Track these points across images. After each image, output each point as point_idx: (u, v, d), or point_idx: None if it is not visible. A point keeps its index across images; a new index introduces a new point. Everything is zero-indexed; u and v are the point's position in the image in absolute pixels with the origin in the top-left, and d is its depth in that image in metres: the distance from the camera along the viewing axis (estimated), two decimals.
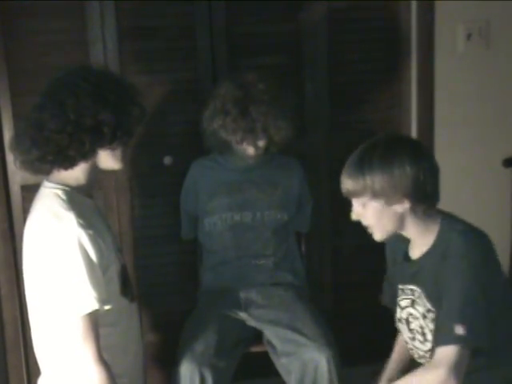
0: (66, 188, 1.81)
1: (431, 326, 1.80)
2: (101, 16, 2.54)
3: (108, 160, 1.86)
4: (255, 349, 2.37)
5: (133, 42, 2.60)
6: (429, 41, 2.78)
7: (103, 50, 2.56)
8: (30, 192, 1.94)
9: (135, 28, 2.59)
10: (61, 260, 1.72)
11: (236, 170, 2.42)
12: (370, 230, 1.84)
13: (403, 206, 1.74)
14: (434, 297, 1.77)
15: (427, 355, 1.84)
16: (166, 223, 2.66)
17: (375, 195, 1.73)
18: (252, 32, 2.67)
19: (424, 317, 1.83)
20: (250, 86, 2.27)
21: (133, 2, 2.57)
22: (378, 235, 1.83)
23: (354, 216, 1.83)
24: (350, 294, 2.95)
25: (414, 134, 2.86)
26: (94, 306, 1.72)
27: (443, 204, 1.85)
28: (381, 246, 2.92)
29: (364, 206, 1.78)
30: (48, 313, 1.79)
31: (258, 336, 2.36)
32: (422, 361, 1.89)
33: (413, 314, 1.88)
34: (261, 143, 2.31)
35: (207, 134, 2.36)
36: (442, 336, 1.70)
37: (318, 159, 2.81)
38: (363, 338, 2.95)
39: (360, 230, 2.87)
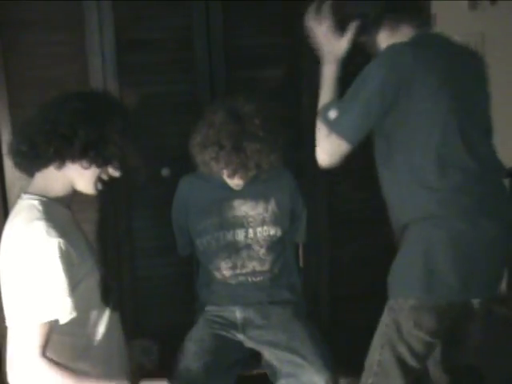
0: (43, 198, 1.85)
1: None
2: (99, 28, 2.56)
3: (80, 180, 1.90)
4: (254, 371, 2.36)
5: (131, 55, 2.61)
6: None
7: (102, 62, 2.58)
8: None
9: (133, 40, 2.61)
10: (32, 269, 1.75)
11: (226, 187, 2.39)
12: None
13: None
14: None
15: None
16: (164, 234, 2.66)
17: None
18: (249, 44, 2.69)
19: None
20: (246, 120, 2.22)
21: (131, 14, 2.59)
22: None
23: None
24: (348, 306, 2.95)
25: None
26: (55, 315, 1.75)
27: None
28: (378, 257, 2.94)
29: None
30: (15, 317, 1.81)
31: (255, 357, 2.36)
32: None
33: None
34: (251, 175, 2.30)
35: (197, 161, 2.32)
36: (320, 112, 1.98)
37: (315, 171, 2.80)
38: (361, 351, 2.94)
39: (358, 241, 2.91)
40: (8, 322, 1.81)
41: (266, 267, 2.44)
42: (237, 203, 2.41)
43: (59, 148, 1.82)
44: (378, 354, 2.02)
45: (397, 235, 2.12)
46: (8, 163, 2.60)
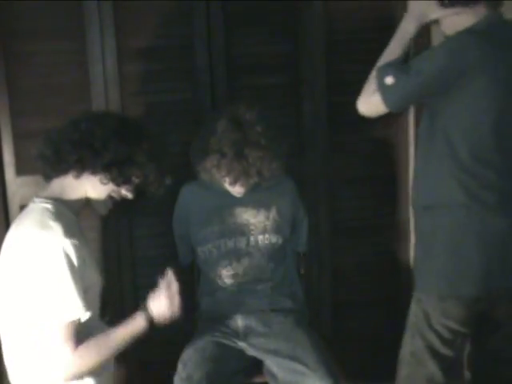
0: (56, 202, 1.86)
1: None
2: (101, 37, 2.57)
3: (92, 191, 1.91)
4: (256, 379, 2.35)
5: (132, 63, 2.62)
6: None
7: (103, 70, 2.59)
8: None
9: (135, 49, 2.62)
10: (46, 268, 1.76)
11: (227, 195, 2.38)
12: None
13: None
14: None
15: None
16: (165, 243, 2.65)
17: None
18: (250, 52, 2.69)
19: None
20: (247, 128, 2.22)
21: (132, 23, 2.59)
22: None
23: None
24: (350, 314, 2.94)
25: (411, 153, 2.87)
26: (78, 313, 1.77)
27: None
28: (379, 265, 2.95)
29: None
30: (24, 324, 1.80)
31: (257, 365, 2.35)
32: None
33: None
34: (252, 182, 2.30)
35: (199, 169, 2.32)
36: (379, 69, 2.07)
37: (316, 179, 2.82)
38: (363, 358, 2.94)
39: (359, 249, 2.91)
40: (23, 327, 1.81)
41: (268, 275, 2.44)
42: (238, 211, 2.40)
43: (83, 157, 1.85)
44: (409, 345, 2.06)
45: (416, 213, 2.14)
46: (10, 172, 2.60)
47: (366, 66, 2.77)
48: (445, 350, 2.01)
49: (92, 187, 1.91)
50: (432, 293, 2.01)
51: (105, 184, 1.90)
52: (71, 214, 1.91)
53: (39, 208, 1.85)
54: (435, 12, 2.04)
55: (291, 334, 2.35)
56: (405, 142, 2.87)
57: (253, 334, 2.38)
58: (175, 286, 1.98)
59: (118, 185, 1.92)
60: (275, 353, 2.29)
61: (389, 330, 2.99)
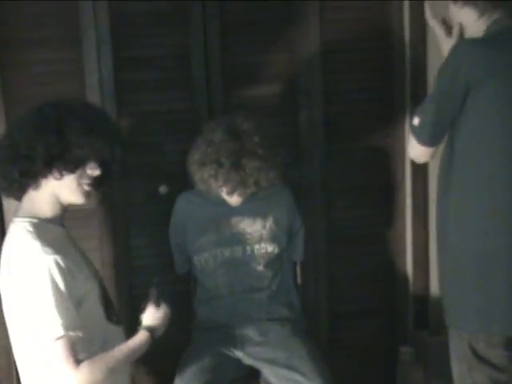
0: (34, 220, 1.85)
1: None
2: (97, 46, 2.56)
3: (63, 192, 1.89)
4: None
5: (129, 72, 2.62)
6: (422, 71, 2.82)
7: (99, 79, 2.58)
8: None
9: (131, 58, 2.61)
10: (28, 289, 1.75)
11: (223, 204, 2.38)
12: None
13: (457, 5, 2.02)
14: None
15: None
16: (162, 252, 2.64)
17: None
18: (247, 62, 2.69)
19: None
20: (244, 138, 2.22)
21: (129, 32, 2.59)
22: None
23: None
24: (346, 324, 2.94)
25: (407, 162, 2.87)
26: (59, 332, 1.74)
27: None
28: (376, 275, 2.94)
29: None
30: (22, 341, 1.80)
31: (254, 374, 2.34)
32: None
33: None
34: (249, 192, 2.30)
35: (195, 179, 2.32)
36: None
37: (313, 188, 2.82)
38: (359, 369, 2.94)
39: (356, 259, 2.91)
40: (17, 345, 1.81)
41: (264, 284, 2.43)
42: (235, 220, 2.40)
43: (23, 170, 1.82)
44: (468, 378, 2.04)
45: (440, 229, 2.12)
46: None
47: (362, 76, 2.81)
48: (504, 377, 2.01)
49: (57, 189, 1.87)
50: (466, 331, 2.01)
51: (61, 179, 1.85)
52: (54, 226, 1.89)
53: (18, 228, 1.84)
54: (454, 14, 2.06)
55: (288, 343, 2.34)
56: (401, 152, 2.87)
57: (249, 343, 2.37)
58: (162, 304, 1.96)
59: (73, 172, 1.86)
60: (272, 362, 2.28)
61: (385, 341, 2.99)
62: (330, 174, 2.81)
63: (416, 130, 2.04)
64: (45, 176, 1.84)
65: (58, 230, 1.90)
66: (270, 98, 2.71)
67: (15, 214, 1.91)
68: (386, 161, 2.88)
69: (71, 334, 1.75)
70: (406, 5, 2.76)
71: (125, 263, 2.70)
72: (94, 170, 1.90)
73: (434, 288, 2.88)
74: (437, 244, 2.13)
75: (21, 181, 1.83)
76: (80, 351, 1.79)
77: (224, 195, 2.32)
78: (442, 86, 1.94)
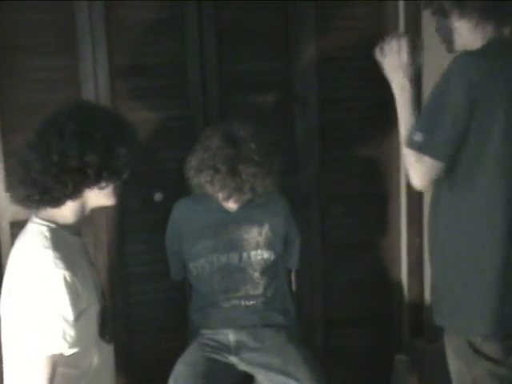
0: (52, 225, 1.82)
1: None
2: (93, 53, 2.56)
3: (98, 198, 1.87)
4: None
5: (124, 80, 2.61)
6: (417, 80, 2.82)
7: (95, 87, 2.58)
8: (19, 228, 1.94)
9: (127, 65, 2.61)
10: (34, 299, 1.73)
11: (220, 210, 2.39)
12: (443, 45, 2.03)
13: (455, 17, 1.94)
14: None
15: None
16: (157, 259, 2.64)
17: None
18: (243, 70, 2.70)
19: None
20: (241, 144, 2.24)
21: (125, 39, 2.59)
22: (448, 49, 2.03)
23: (436, 30, 2.03)
24: (341, 331, 2.94)
25: (401, 170, 2.88)
26: (57, 348, 1.73)
27: None
28: (371, 283, 2.94)
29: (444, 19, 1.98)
30: (15, 347, 1.79)
31: (249, 380, 2.34)
32: None
33: None
34: (245, 198, 2.31)
35: (193, 185, 2.33)
36: (407, 140, 1.92)
37: (309, 196, 2.82)
38: (354, 376, 2.93)
39: (350, 266, 2.91)
40: (7, 354, 1.79)
41: (260, 291, 2.44)
42: (231, 227, 2.41)
43: (77, 184, 1.78)
44: (468, 375, 2.01)
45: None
46: (0, 188, 2.58)
47: (358, 84, 2.82)
48: (502, 370, 1.99)
49: (95, 197, 1.86)
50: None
51: (105, 188, 1.84)
52: (71, 236, 1.87)
53: (35, 230, 1.81)
54: (444, 28, 2.01)
55: (283, 350, 2.34)
56: (396, 160, 2.88)
57: (244, 348, 2.37)
58: None
59: (119, 180, 1.87)
60: (267, 368, 2.28)
61: (380, 348, 2.99)
62: (325, 181, 2.82)
63: (422, 145, 1.87)
64: (91, 187, 1.82)
65: (73, 240, 1.88)
66: (266, 106, 2.72)
67: (36, 214, 1.86)
68: (381, 169, 2.89)
69: (70, 351, 1.74)
70: (402, 14, 2.77)
71: (120, 270, 2.69)
72: (125, 175, 1.91)
73: (429, 296, 2.89)
74: (439, 250, 2.08)
75: (70, 194, 1.79)
76: (71, 366, 1.79)
77: (220, 200, 2.32)
78: (454, 99, 1.84)
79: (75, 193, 1.80)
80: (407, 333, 2.98)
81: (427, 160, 1.87)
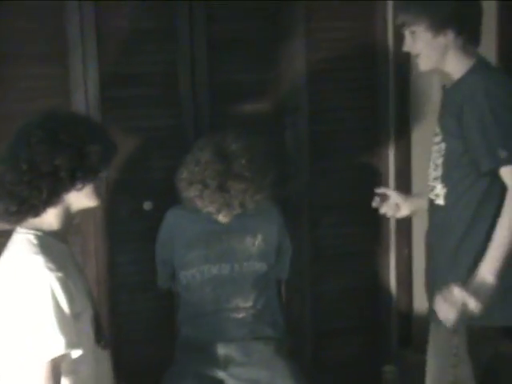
0: (39, 233, 1.80)
1: (438, 154, 2.05)
2: (83, 62, 2.56)
3: (79, 200, 1.85)
4: None
5: (115, 89, 2.61)
6: (406, 90, 2.85)
7: (85, 96, 2.57)
8: (4, 238, 1.93)
9: (117, 75, 2.61)
10: (29, 304, 1.70)
11: (212, 220, 2.38)
12: (417, 60, 2.06)
13: (446, 37, 1.97)
14: (447, 128, 2.02)
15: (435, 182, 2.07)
16: (145, 269, 2.64)
17: (423, 26, 1.97)
18: (233, 80, 2.70)
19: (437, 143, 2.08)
20: (232, 160, 2.23)
21: (115, 48, 2.60)
22: (423, 65, 2.06)
23: (405, 47, 2.05)
24: (331, 342, 2.93)
25: (391, 181, 2.90)
26: (60, 350, 1.71)
27: None
28: (361, 293, 2.95)
29: (413, 36, 2.00)
30: (10, 356, 1.77)
31: None
32: (431, 184, 2.10)
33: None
34: (235, 212, 2.31)
35: (183, 197, 2.33)
36: (486, 162, 1.91)
37: (299, 206, 2.82)
38: None
39: (340, 277, 2.91)
40: (4, 363, 1.77)
41: (250, 303, 2.42)
42: (224, 237, 2.40)
43: (52, 188, 1.76)
44: (451, 375, 2.02)
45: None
46: None
47: (348, 95, 2.84)
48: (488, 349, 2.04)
49: (74, 199, 1.84)
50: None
51: (82, 189, 1.81)
52: (57, 242, 1.87)
53: (22, 239, 1.79)
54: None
55: (271, 363, 2.34)
56: (385, 170, 2.89)
57: (233, 363, 2.35)
58: None
59: (94, 179, 1.82)
60: (255, 382, 2.28)
61: (369, 359, 2.99)
62: (316, 191, 2.82)
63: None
64: (68, 190, 1.81)
65: (60, 246, 1.87)
66: (257, 116, 2.73)
67: (20, 224, 1.83)
68: (371, 179, 2.89)
69: (72, 351, 1.73)
70: (391, 25, 2.80)
71: (108, 280, 2.68)
72: (105, 172, 1.88)
73: (418, 306, 2.90)
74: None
75: (47, 200, 1.76)
76: (71, 372, 1.77)
77: (211, 214, 2.33)
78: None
79: (53, 198, 1.78)
80: (396, 343, 2.98)
81: None
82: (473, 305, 1.89)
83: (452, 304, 1.90)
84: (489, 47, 2.79)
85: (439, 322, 2.04)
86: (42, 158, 1.73)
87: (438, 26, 1.97)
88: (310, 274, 2.87)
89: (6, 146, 1.81)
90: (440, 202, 2.05)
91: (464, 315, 1.90)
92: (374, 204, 2.33)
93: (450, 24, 1.97)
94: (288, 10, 2.70)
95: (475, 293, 1.89)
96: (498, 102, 1.91)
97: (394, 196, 2.33)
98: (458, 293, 1.90)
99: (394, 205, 2.32)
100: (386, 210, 2.33)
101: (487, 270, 1.90)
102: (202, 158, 2.25)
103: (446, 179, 2.04)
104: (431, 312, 2.09)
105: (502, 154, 1.89)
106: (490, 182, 1.96)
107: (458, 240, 2.02)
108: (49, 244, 1.80)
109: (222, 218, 2.32)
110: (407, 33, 2.02)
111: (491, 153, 1.90)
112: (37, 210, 1.79)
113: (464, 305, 1.89)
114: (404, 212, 2.32)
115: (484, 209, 1.98)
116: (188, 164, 2.29)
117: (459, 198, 2.01)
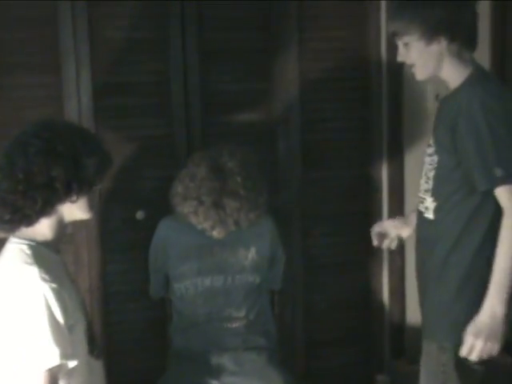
0: (32, 243, 1.80)
1: (430, 167, 2.01)
2: (76, 72, 2.57)
3: (72, 212, 1.85)
4: None
5: (108, 98, 2.62)
6: (398, 101, 2.86)
7: (78, 105, 2.58)
8: None
9: (110, 84, 2.62)
10: (23, 315, 1.70)
11: (206, 232, 2.35)
12: (413, 70, 2.01)
13: (440, 45, 1.92)
14: (441, 140, 1.96)
15: (426, 195, 2.03)
16: (138, 278, 2.63)
17: (416, 35, 1.92)
18: (226, 89, 2.71)
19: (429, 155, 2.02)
20: (228, 177, 2.22)
21: (108, 58, 2.61)
22: (419, 75, 2.00)
23: (399, 58, 2.01)
24: (323, 352, 2.93)
25: (384, 191, 2.90)
26: (55, 361, 1.70)
27: None
28: (353, 303, 2.94)
29: (407, 46, 1.96)
30: (6, 367, 1.76)
31: None
32: (421, 196, 2.06)
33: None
34: (229, 229, 2.30)
35: (177, 212, 2.32)
36: (482, 181, 1.85)
37: (291, 215, 2.82)
38: None
39: (332, 287, 2.91)
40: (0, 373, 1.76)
41: (242, 313, 2.42)
42: (217, 249, 2.38)
43: (46, 199, 1.75)
44: None
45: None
46: None
47: (340, 105, 2.84)
48: (478, 367, 1.98)
49: (68, 210, 1.85)
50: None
51: (77, 201, 1.81)
52: (51, 253, 1.86)
53: (15, 249, 1.79)
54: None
55: (263, 373, 2.33)
56: (378, 179, 2.89)
57: (225, 373, 2.34)
58: None
59: (88, 192, 1.82)
60: None
61: (361, 369, 2.98)
62: (308, 201, 2.82)
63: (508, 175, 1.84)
64: (62, 201, 1.80)
65: (53, 257, 1.86)
66: (249, 126, 2.73)
67: (13, 234, 1.82)
68: (363, 188, 2.90)
69: (67, 362, 1.72)
70: (384, 35, 2.80)
71: (100, 289, 2.68)
72: (99, 185, 1.88)
73: (411, 316, 2.89)
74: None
75: (41, 211, 1.76)
76: (65, 381, 1.76)
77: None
78: (509, 129, 1.86)
79: (47, 208, 1.78)
80: (388, 353, 2.97)
81: None
82: (489, 347, 1.87)
83: (472, 346, 1.88)
84: (482, 51, 2.81)
85: (429, 339, 2.03)
86: (39, 169, 1.73)
87: (431, 33, 1.92)
88: (302, 283, 2.86)
89: (1, 154, 1.81)
90: (429, 215, 2.01)
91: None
92: (375, 244, 2.29)
93: (443, 31, 1.91)
94: (281, 20, 2.71)
95: (489, 334, 1.86)
96: (494, 116, 1.85)
97: (390, 229, 2.29)
98: (472, 339, 1.87)
99: (395, 236, 2.28)
100: (388, 244, 2.30)
101: (495, 301, 1.85)
102: (197, 173, 2.24)
103: (436, 193, 1.99)
104: (423, 328, 2.08)
105: (498, 172, 1.83)
106: (481, 199, 1.90)
107: (445, 255, 1.98)
108: (42, 254, 1.80)
109: (216, 234, 2.31)
110: (400, 43, 1.99)
111: (487, 171, 1.84)
112: (30, 220, 1.79)
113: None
114: (408, 232, 2.27)
115: (474, 225, 1.93)
116: (183, 179, 2.28)
117: (449, 213, 1.97)
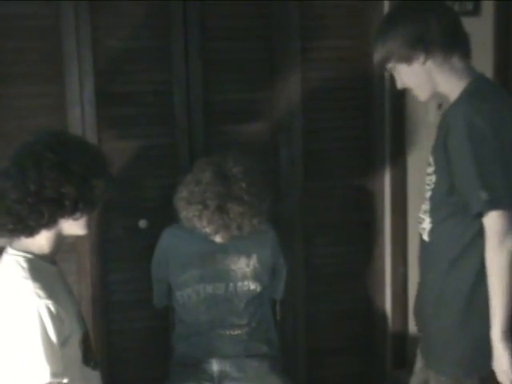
0: (28, 255, 1.80)
1: (428, 187, 1.95)
2: (79, 81, 2.58)
3: (72, 228, 1.86)
4: None
5: (110, 107, 2.63)
6: (401, 111, 2.86)
7: (81, 114, 2.59)
8: None
9: (113, 93, 2.63)
10: (17, 331, 1.70)
11: (208, 240, 2.37)
12: (413, 94, 1.99)
13: (421, 61, 1.87)
14: (438, 160, 1.90)
15: (425, 215, 1.98)
16: (140, 288, 2.64)
17: (394, 59, 1.90)
18: (228, 99, 2.72)
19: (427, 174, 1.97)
20: (232, 182, 2.23)
21: (111, 68, 2.61)
22: (421, 96, 1.97)
23: (398, 85, 2.00)
24: (324, 361, 2.93)
25: (387, 200, 2.90)
26: (46, 379, 1.70)
27: None
28: (354, 312, 2.94)
29: (396, 72, 1.95)
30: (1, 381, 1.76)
31: None
32: (421, 216, 2.01)
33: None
34: (232, 234, 2.30)
35: (181, 216, 2.32)
36: (472, 205, 1.80)
37: (292, 224, 2.83)
38: None
39: (334, 296, 2.91)
40: None
41: (244, 321, 2.42)
42: (219, 257, 2.40)
43: (52, 214, 1.76)
44: None
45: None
46: None
47: (342, 114, 2.84)
48: None
49: (67, 226, 1.86)
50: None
51: (79, 219, 1.83)
52: (48, 265, 1.86)
53: (11, 261, 1.79)
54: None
55: (266, 380, 2.34)
56: (381, 189, 2.89)
57: (228, 379, 2.36)
58: None
59: (93, 211, 1.85)
60: None
61: (363, 379, 2.98)
62: (309, 210, 2.82)
63: (495, 202, 1.77)
64: (66, 217, 1.81)
65: (50, 269, 1.86)
66: (251, 135, 2.73)
67: (10, 245, 1.84)
68: (366, 198, 2.90)
69: (57, 381, 1.72)
70: None
71: (102, 298, 2.68)
72: (100, 203, 1.89)
73: (413, 326, 2.88)
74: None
75: (44, 224, 1.77)
76: None
77: (208, 234, 2.33)
78: (492, 143, 1.77)
79: (50, 222, 1.79)
80: (390, 363, 2.97)
81: (502, 214, 1.77)
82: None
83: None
84: (485, 58, 2.82)
85: (437, 371, 2.01)
86: (51, 184, 1.73)
87: (405, 53, 1.87)
88: (304, 292, 2.86)
89: (11, 161, 1.80)
90: (425, 237, 1.98)
91: None
92: None
93: (414, 47, 1.85)
94: (283, 30, 2.72)
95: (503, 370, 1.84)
96: (479, 135, 1.77)
97: None
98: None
99: None
100: None
101: (502, 326, 1.81)
102: (203, 178, 2.25)
103: (433, 215, 1.95)
104: (426, 355, 2.07)
105: (483, 195, 1.76)
106: (479, 222, 1.82)
107: (440, 280, 1.93)
108: (38, 267, 1.79)
109: (220, 238, 2.32)
110: (389, 72, 1.97)
111: (475, 195, 1.78)
112: (32, 231, 1.79)
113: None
114: None
115: (472, 250, 1.87)
116: (188, 184, 2.29)
117: (443, 236, 1.92)
